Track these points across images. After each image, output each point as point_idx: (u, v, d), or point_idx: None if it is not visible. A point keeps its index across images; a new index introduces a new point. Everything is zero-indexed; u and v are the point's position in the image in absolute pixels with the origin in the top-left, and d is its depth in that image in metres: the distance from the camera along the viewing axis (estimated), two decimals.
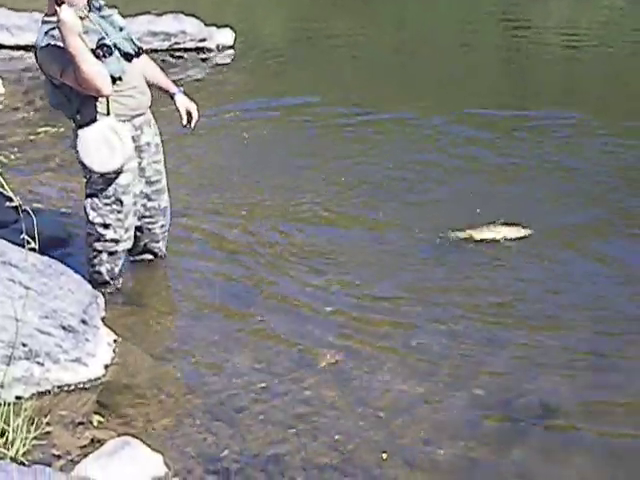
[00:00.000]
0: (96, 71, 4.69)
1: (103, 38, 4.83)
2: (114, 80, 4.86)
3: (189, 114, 5.41)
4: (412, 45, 12.77)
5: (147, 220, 5.49)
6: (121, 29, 4.97)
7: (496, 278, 5.66)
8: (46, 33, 4.80)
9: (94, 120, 4.91)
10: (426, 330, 5.07)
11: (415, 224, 6.29)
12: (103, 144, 4.88)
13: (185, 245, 6.07)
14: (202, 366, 4.70)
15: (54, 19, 4.70)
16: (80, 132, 4.92)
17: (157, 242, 5.65)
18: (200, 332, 5.05)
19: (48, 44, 4.79)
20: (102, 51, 4.79)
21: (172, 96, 5.39)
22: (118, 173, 5.03)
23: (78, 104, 4.89)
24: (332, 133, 8.39)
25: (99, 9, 4.92)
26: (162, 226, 5.60)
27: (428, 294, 5.48)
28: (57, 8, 4.60)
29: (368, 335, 5.01)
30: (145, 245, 5.62)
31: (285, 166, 7.58)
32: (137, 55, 5.06)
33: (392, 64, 11.32)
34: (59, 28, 4.61)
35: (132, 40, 5.03)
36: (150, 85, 5.26)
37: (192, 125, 5.45)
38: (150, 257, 5.71)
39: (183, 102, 5.40)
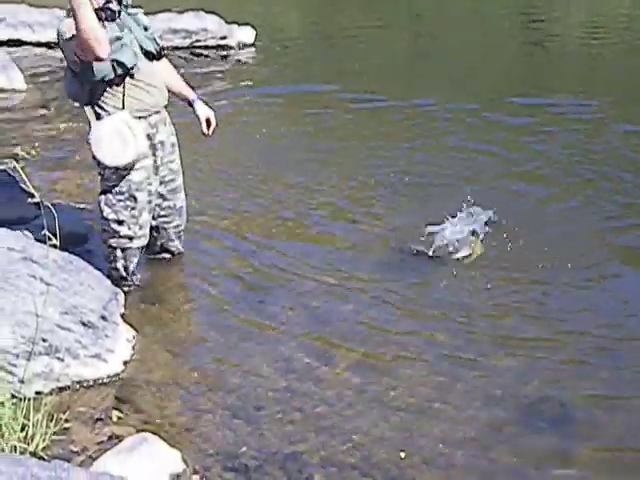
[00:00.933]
0: (93, 29, 4.64)
1: (109, 1, 4.84)
2: (127, 72, 4.89)
3: (208, 121, 5.42)
4: (429, 37, 12.85)
5: (163, 220, 5.50)
6: (145, 28, 5.01)
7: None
8: (68, 15, 4.81)
9: (107, 113, 4.93)
10: (444, 331, 5.06)
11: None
12: (116, 138, 4.89)
13: (204, 242, 6.07)
14: (221, 363, 4.70)
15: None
16: (93, 125, 4.94)
17: (173, 241, 5.67)
18: (219, 329, 5.05)
19: (67, 19, 4.81)
20: (105, 13, 4.81)
21: (191, 103, 5.41)
22: (132, 170, 5.04)
23: (92, 94, 4.92)
24: (351, 126, 8.38)
25: (126, 7, 4.94)
26: (177, 225, 5.61)
27: (447, 296, 5.46)
28: None
29: (388, 335, 5.00)
30: (162, 245, 5.65)
31: (304, 161, 7.60)
32: (159, 55, 5.09)
33: (410, 54, 11.35)
34: None
35: (155, 40, 5.07)
36: (169, 91, 5.28)
37: (210, 132, 5.45)
38: (168, 256, 5.73)
39: (202, 109, 5.42)
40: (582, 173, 7.37)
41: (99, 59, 4.74)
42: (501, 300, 5.40)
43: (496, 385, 4.54)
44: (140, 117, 5.03)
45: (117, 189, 5.09)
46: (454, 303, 5.36)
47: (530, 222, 6.33)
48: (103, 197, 5.14)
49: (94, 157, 4.97)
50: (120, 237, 5.22)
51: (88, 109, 4.97)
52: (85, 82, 4.91)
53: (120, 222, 5.17)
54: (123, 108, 4.94)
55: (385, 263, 5.85)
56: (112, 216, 5.15)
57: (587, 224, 6.41)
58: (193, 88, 5.50)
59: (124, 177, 5.05)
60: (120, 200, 5.12)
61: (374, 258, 5.91)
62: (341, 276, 5.63)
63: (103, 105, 4.95)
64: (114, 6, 4.84)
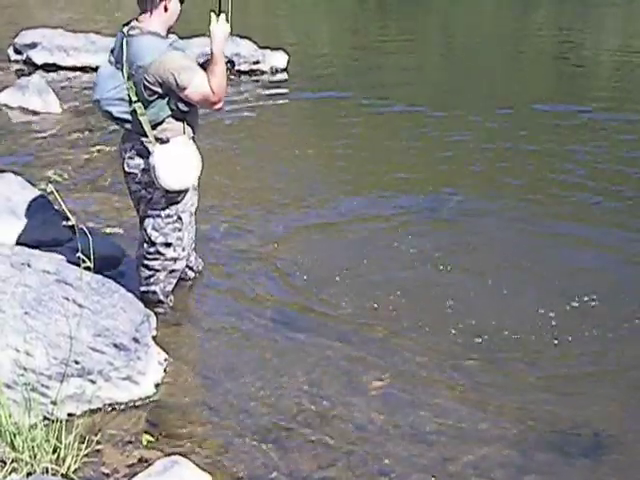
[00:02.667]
0: (225, 81, 4.92)
1: (227, 57, 4.98)
2: None
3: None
4: (461, 51, 12.96)
5: None
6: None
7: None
8: (171, 44, 4.84)
9: (169, 138, 4.95)
10: (475, 357, 5.04)
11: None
12: (181, 161, 4.94)
13: (235, 266, 6.08)
14: (252, 387, 4.70)
15: (154, 29, 4.85)
16: (157, 150, 4.92)
17: (192, 255, 5.67)
18: (250, 352, 5.05)
19: (173, 51, 4.82)
20: (227, 66, 4.95)
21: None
22: (181, 191, 5.08)
23: (158, 117, 4.92)
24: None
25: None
26: (191, 237, 5.57)
27: (479, 321, 5.44)
28: (173, 2, 4.86)
29: (417, 359, 4.99)
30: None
31: (331, 184, 7.61)
32: None
33: (443, 70, 11.37)
34: (214, 34, 4.87)
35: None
36: None
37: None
38: (191, 274, 5.75)
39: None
40: None
41: (218, 108, 4.99)
42: (538, 326, 5.37)
43: (529, 412, 4.52)
44: (192, 138, 5.11)
45: (166, 212, 5.12)
46: (483, 328, 5.34)
47: None
48: (151, 221, 5.16)
49: (158, 182, 4.94)
50: (166, 259, 5.25)
51: (150, 134, 4.93)
52: (152, 107, 4.90)
53: (168, 244, 5.20)
54: (184, 132, 5.00)
55: (415, 290, 5.83)
56: (161, 239, 5.18)
57: None
58: None
59: (173, 199, 5.09)
60: (168, 223, 5.15)
61: (405, 284, 5.89)
62: (372, 302, 5.62)
63: (165, 130, 4.97)
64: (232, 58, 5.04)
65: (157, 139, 4.94)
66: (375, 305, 5.58)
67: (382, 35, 14.80)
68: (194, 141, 5.17)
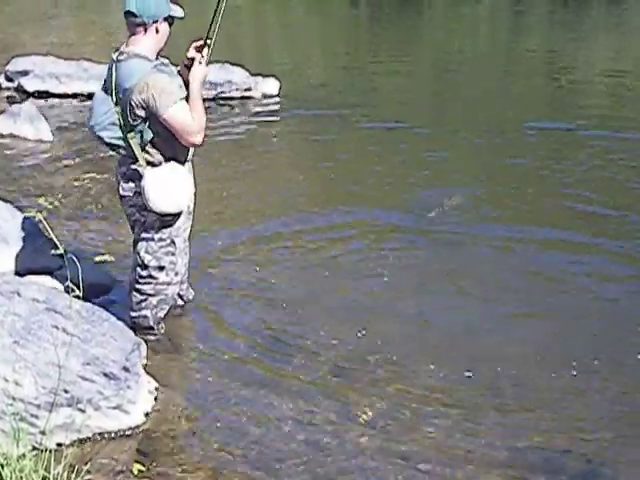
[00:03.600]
0: (204, 119, 4.90)
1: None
2: None
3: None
4: (453, 74, 13.19)
5: None
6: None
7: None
8: (155, 66, 4.82)
9: (160, 162, 4.95)
10: (468, 383, 5.02)
11: None
12: (172, 185, 4.92)
13: (225, 293, 6.07)
14: (242, 415, 4.67)
15: (143, 53, 4.85)
16: (148, 173, 4.91)
17: (183, 283, 5.63)
18: (240, 381, 5.03)
19: (158, 73, 4.81)
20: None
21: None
22: (173, 215, 5.07)
23: (147, 140, 4.91)
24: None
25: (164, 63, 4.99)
26: (185, 264, 5.57)
27: (470, 347, 5.44)
28: (163, 25, 4.87)
29: (410, 387, 4.97)
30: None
31: (326, 210, 7.60)
32: None
33: (436, 91, 11.46)
34: (194, 75, 4.86)
35: None
36: None
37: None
38: (180, 302, 5.71)
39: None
40: None
41: (194, 142, 4.92)
42: (527, 350, 5.37)
43: (522, 437, 4.52)
44: (185, 161, 5.10)
45: (159, 235, 5.11)
46: (472, 354, 5.34)
47: None
48: (144, 244, 5.15)
49: (147, 206, 4.93)
50: (158, 284, 5.23)
51: (140, 154, 4.93)
52: (143, 130, 4.90)
53: (161, 268, 5.18)
54: (174, 157, 4.98)
55: (406, 319, 5.82)
56: (154, 263, 5.16)
57: None
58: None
59: (166, 223, 5.08)
60: (162, 246, 5.13)
61: (396, 311, 5.88)
62: (364, 329, 5.60)
63: (155, 154, 4.95)
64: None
65: (148, 162, 4.94)
66: (364, 332, 5.56)
67: (374, 60, 14.86)
68: (190, 165, 5.20)
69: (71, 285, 3.90)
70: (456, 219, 7.31)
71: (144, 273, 5.21)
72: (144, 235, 5.14)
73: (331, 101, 11.64)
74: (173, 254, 5.18)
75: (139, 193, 4.97)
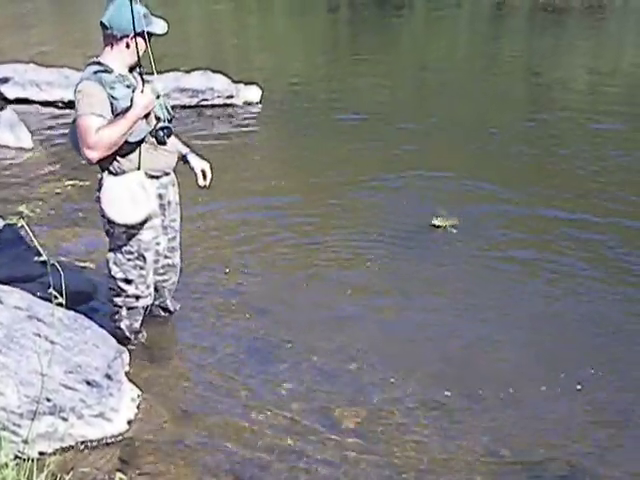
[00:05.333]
0: (115, 144, 4.74)
1: (165, 121, 4.94)
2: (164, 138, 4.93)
3: (203, 173, 5.38)
4: (434, 83, 13.39)
5: (161, 278, 5.48)
6: (158, 96, 5.00)
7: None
8: (95, 72, 4.80)
9: (122, 171, 4.92)
10: (451, 391, 5.03)
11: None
12: (127, 196, 4.88)
13: (207, 301, 6.06)
14: (226, 423, 4.67)
15: (107, 62, 4.83)
16: (106, 181, 4.91)
17: (169, 298, 5.66)
18: (223, 389, 5.02)
19: (92, 81, 4.78)
20: (162, 133, 4.90)
21: (184, 157, 5.35)
22: (142, 229, 5.03)
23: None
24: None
25: (141, 74, 4.94)
26: (173, 282, 5.60)
27: (455, 354, 5.45)
28: (137, 41, 4.79)
29: (392, 395, 4.98)
30: (159, 303, 5.64)
31: (305, 222, 7.60)
32: (170, 121, 5.07)
33: (419, 100, 11.50)
34: (135, 102, 4.70)
35: (167, 108, 5.07)
36: None
37: (207, 183, 5.38)
38: (165, 314, 5.72)
39: (197, 162, 5.37)
40: None
41: (86, 156, 4.76)
42: (505, 356, 5.39)
43: (504, 444, 4.54)
44: (153, 177, 5.04)
45: (127, 248, 5.08)
46: (455, 359, 5.36)
47: None
48: (112, 255, 5.13)
49: (103, 214, 4.94)
50: (127, 296, 5.20)
51: (101, 166, 4.92)
52: None
53: (128, 281, 5.15)
54: (139, 168, 4.95)
55: (388, 326, 5.83)
56: (120, 275, 5.14)
57: None
58: (185, 143, 5.49)
59: (134, 236, 5.05)
60: (129, 259, 5.10)
61: (378, 322, 5.87)
62: (346, 336, 5.61)
63: (118, 163, 4.92)
64: (170, 125, 4.96)
65: (110, 172, 4.92)
66: (348, 339, 5.57)
67: (355, 65, 14.90)
68: (172, 177, 5.20)
69: (54, 292, 3.87)
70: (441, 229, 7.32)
71: (112, 285, 5.20)
72: (112, 246, 5.13)
73: (313, 108, 11.65)
74: (142, 268, 5.14)
75: None
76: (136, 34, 4.79)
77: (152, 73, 4.93)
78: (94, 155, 4.74)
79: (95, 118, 4.70)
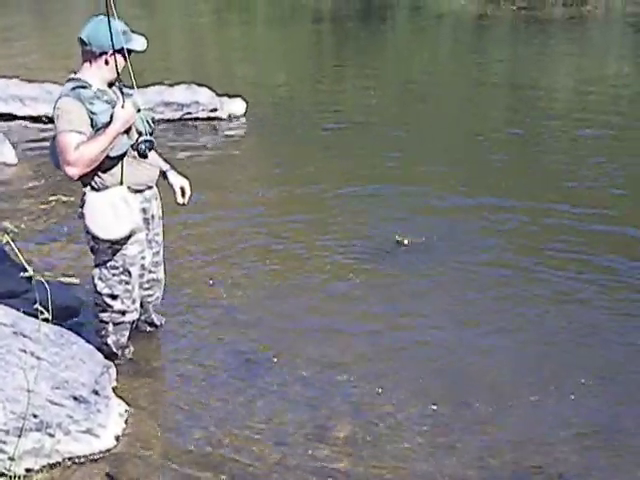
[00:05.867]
0: (96, 159, 4.72)
1: (146, 134, 4.95)
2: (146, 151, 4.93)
3: (182, 190, 5.36)
4: (419, 93, 13.49)
5: (146, 292, 5.46)
6: (139, 110, 4.99)
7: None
8: (74, 88, 4.79)
9: (105, 186, 4.91)
10: (441, 402, 5.01)
11: None
12: (110, 211, 4.87)
13: (194, 314, 6.04)
14: (215, 437, 4.64)
15: (86, 78, 4.82)
16: (89, 197, 4.90)
17: (154, 312, 5.64)
18: (212, 402, 5.00)
19: (70, 98, 4.77)
20: (144, 146, 4.92)
21: (164, 173, 5.34)
22: (127, 244, 5.02)
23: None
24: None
25: (120, 89, 4.93)
26: (157, 297, 5.59)
27: (444, 365, 5.45)
28: (116, 57, 4.79)
29: (383, 407, 4.97)
30: (145, 318, 5.62)
31: (291, 230, 7.59)
32: (150, 135, 5.06)
33: (403, 111, 11.56)
34: (115, 116, 4.70)
35: (148, 122, 5.05)
36: None
37: (186, 201, 5.37)
38: (151, 329, 5.70)
39: (176, 179, 5.35)
40: None
41: (67, 173, 4.75)
42: (497, 364, 5.40)
43: (493, 454, 4.52)
44: (136, 191, 5.03)
45: (112, 263, 5.06)
46: (444, 370, 5.36)
47: None
48: (97, 271, 5.11)
49: (87, 230, 4.93)
50: (113, 312, 5.17)
51: (83, 181, 4.92)
52: None
53: (114, 296, 5.13)
54: (122, 183, 4.93)
55: (378, 338, 5.81)
56: (106, 290, 5.11)
57: None
58: (166, 160, 5.48)
59: (119, 251, 5.03)
60: (115, 274, 5.08)
61: (365, 336, 5.85)
62: (335, 348, 5.60)
63: (100, 179, 4.91)
64: (152, 138, 4.97)
65: (92, 187, 4.91)
66: (335, 351, 5.56)
67: (339, 76, 14.97)
68: (155, 191, 5.19)
69: (40, 308, 3.85)
70: (425, 241, 7.31)
71: (98, 301, 5.18)
72: (97, 261, 5.11)
73: (298, 120, 11.67)
74: (127, 283, 5.12)
75: None
76: (115, 51, 4.79)
77: (132, 87, 4.93)
78: (74, 172, 4.74)
79: (74, 135, 4.70)
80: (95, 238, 4.96)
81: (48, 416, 4.26)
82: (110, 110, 4.77)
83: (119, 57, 4.82)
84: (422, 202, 8.28)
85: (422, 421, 4.81)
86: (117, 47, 4.77)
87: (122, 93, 4.86)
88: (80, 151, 4.67)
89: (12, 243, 4.36)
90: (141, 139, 4.90)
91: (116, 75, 4.88)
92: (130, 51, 4.87)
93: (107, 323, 5.21)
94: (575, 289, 6.42)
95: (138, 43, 4.91)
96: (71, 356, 4.61)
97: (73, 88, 4.79)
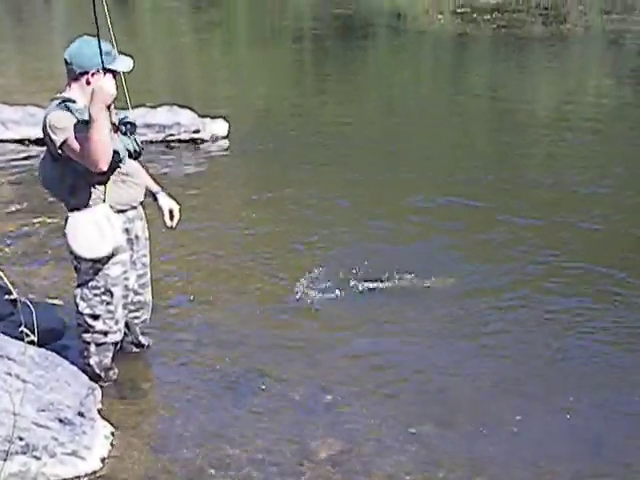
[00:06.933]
0: (106, 143, 4.65)
1: (127, 117, 4.95)
2: (116, 163, 4.88)
3: (171, 213, 5.38)
4: (401, 114, 13.60)
5: (133, 315, 5.47)
6: (133, 131, 5.01)
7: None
8: (59, 103, 4.81)
9: (88, 205, 4.92)
10: (426, 419, 5.04)
11: None
12: (93, 230, 4.86)
13: (179, 334, 6.05)
14: (200, 458, 4.65)
15: (70, 96, 4.84)
16: (71, 215, 4.91)
17: (141, 334, 5.64)
18: (197, 423, 5.00)
19: (59, 110, 4.79)
20: (125, 127, 4.92)
21: (154, 195, 5.37)
22: (109, 264, 5.02)
23: (74, 185, 4.90)
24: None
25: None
26: (145, 320, 5.59)
27: (429, 384, 5.47)
28: (96, 77, 4.78)
29: (368, 425, 4.98)
30: (132, 340, 5.63)
31: (275, 251, 7.62)
32: (139, 155, 5.10)
33: (383, 142, 11.58)
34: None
35: (136, 141, 5.09)
36: None
37: (174, 224, 5.40)
38: (137, 350, 5.70)
39: (166, 202, 5.38)
40: None
41: (99, 171, 4.76)
42: (481, 385, 5.42)
43: (482, 471, 4.56)
44: (119, 211, 5.04)
45: (93, 283, 5.06)
46: (429, 389, 5.38)
47: None
48: (79, 291, 5.12)
49: (70, 250, 4.94)
50: (95, 332, 5.17)
51: (65, 199, 4.96)
52: (68, 173, 4.88)
53: (95, 317, 5.13)
54: (104, 201, 4.95)
55: (364, 360, 5.84)
56: (87, 310, 5.11)
57: None
58: (157, 182, 5.50)
59: (101, 271, 5.03)
60: (96, 294, 5.08)
61: (350, 355, 5.87)
62: (320, 369, 5.62)
63: (83, 197, 4.92)
64: (132, 119, 4.96)
65: (73, 207, 4.93)
66: (321, 371, 5.58)
67: (320, 95, 15.04)
68: (140, 211, 5.20)
69: (25, 330, 3.85)
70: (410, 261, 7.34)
71: (80, 321, 5.18)
72: (79, 282, 5.12)
73: (280, 139, 11.69)
74: (109, 303, 5.12)
75: None
76: (97, 70, 4.81)
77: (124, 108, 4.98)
78: (100, 164, 4.69)
79: (77, 136, 4.71)
80: (77, 257, 4.97)
81: (34, 439, 4.26)
82: None
83: (100, 77, 4.82)
84: (405, 219, 8.33)
85: (407, 441, 4.82)
86: (98, 68, 4.79)
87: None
88: (87, 145, 4.63)
89: None
90: (123, 120, 4.91)
91: None
92: (113, 71, 4.88)
93: (89, 344, 5.21)
94: (560, 307, 6.46)
95: (122, 64, 4.91)
96: (56, 378, 4.61)
97: (59, 103, 4.81)
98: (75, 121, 4.74)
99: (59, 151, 4.77)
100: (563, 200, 8.93)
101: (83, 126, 4.71)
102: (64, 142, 4.72)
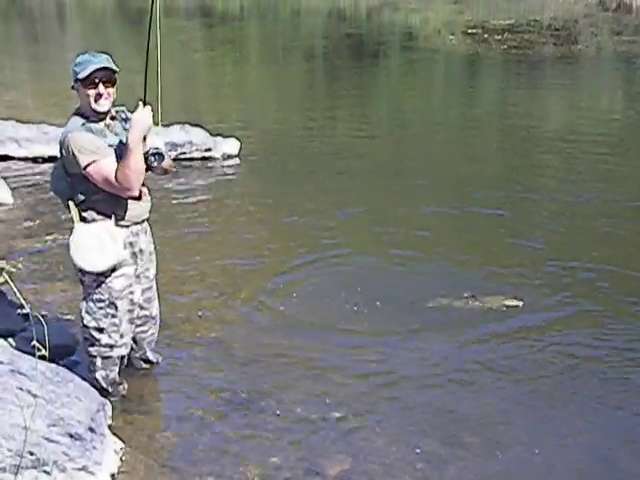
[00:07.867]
0: (141, 172, 4.83)
1: (158, 148, 5.00)
2: None
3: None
4: (412, 134, 13.64)
5: (139, 329, 5.50)
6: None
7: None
8: (83, 124, 4.88)
9: (94, 219, 4.98)
10: (432, 434, 5.06)
11: None
12: (94, 244, 4.92)
13: (189, 351, 6.07)
14: (208, 475, 4.67)
15: (88, 114, 4.92)
16: (76, 230, 4.97)
17: (149, 350, 5.67)
18: (206, 440, 5.02)
19: (83, 132, 4.85)
20: (154, 158, 4.98)
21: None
22: (113, 277, 5.06)
23: (84, 200, 4.96)
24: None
25: (125, 120, 5.04)
26: (152, 334, 5.62)
27: (438, 402, 5.48)
28: (77, 87, 4.90)
29: (375, 442, 4.99)
30: (140, 355, 5.65)
31: (284, 269, 7.66)
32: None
33: (395, 152, 11.64)
34: (132, 121, 4.79)
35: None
36: None
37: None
38: (146, 366, 5.73)
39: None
40: None
41: (131, 196, 4.88)
42: (489, 402, 5.43)
43: None
44: (123, 226, 5.08)
45: (97, 296, 5.11)
46: (438, 407, 5.40)
47: None
48: (84, 304, 5.16)
49: (72, 262, 4.98)
50: (100, 345, 5.21)
51: (74, 209, 5.01)
52: (79, 186, 4.94)
53: (100, 330, 5.16)
54: (110, 217, 5.00)
55: (363, 380, 5.86)
56: (92, 324, 5.15)
57: None
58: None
59: (104, 284, 5.07)
60: (100, 307, 5.12)
61: (358, 372, 5.90)
62: (327, 386, 5.64)
63: (92, 211, 4.98)
64: (163, 150, 5.02)
65: (83, 219, 4.99)
66: (329, 387, 5.60)
67: (332, 114, 15.08)
68: (145, 226, 5.25)
69: (37, 345, 3.89)
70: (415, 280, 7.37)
71: (86, 334, 5.22)
72: (84, 295, 5.17)
73: (291, 159, 11.74)
74: (114, 316, 5.16)
75: None
76: (76, 81, 4.92)
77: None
78: (133, 191, 4.88)
79: (105, 162, 4.81)
80: (80, 270, 5.02)
81: (44, 453, 4.28)
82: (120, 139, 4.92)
83: (81, 88, 4.91)
84: (417, 240, 8.36)
85: (415, 458, 4.84)
86: (74, 78, 4.92)
87: (126, 121, 4.98)
88: (119, 176, 4.78)
89: (10, 282, 4.42)
90: (151, 150, 4.98)
91: (90, 106, 4.93)
92: (83, 79, 4.87)
93: (95, 357, 5.25)
94: (574, 329, 6.47)
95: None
96: (67, 394, 4.63)
97: (82, 124, 4.88)
98: (100, 144, 4.84)
99: (82, 171, 4.84)
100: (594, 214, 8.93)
101: (111, 151, 4.82)
102: (90, 164, 4.80)
